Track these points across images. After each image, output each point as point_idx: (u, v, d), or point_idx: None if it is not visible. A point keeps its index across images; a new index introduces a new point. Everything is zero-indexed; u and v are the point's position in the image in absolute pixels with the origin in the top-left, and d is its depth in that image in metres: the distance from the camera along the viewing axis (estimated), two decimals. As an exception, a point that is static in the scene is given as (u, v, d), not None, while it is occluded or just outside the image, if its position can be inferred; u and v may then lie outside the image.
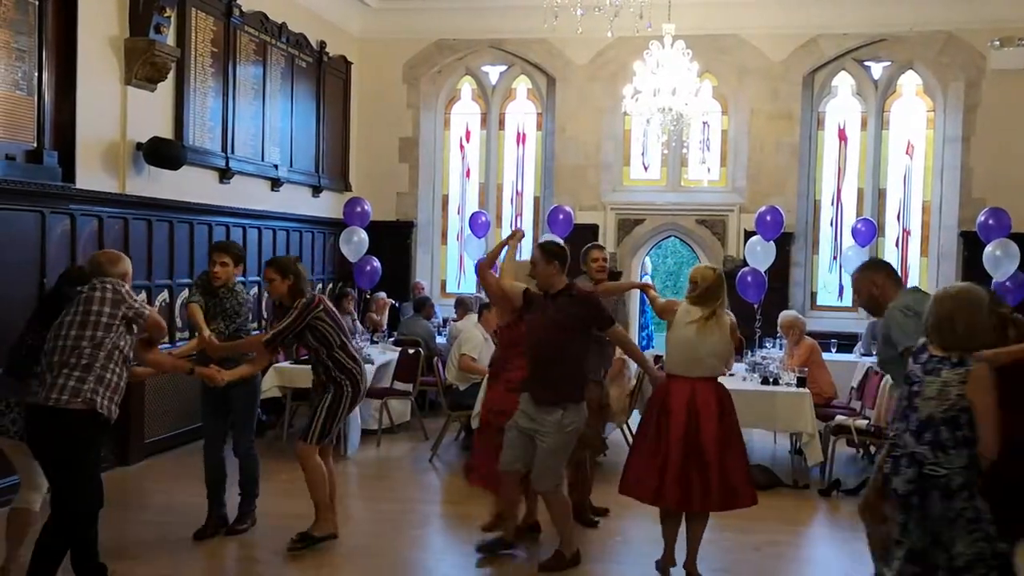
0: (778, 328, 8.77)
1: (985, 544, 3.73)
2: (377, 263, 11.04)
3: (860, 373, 8.46)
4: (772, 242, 10.43)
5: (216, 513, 5.79)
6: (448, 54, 11.74)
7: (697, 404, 4.96)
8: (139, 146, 7.48)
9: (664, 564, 5.22)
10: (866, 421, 7.40)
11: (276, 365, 8.02)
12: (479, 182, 12.09)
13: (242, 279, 7.38)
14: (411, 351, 8.77)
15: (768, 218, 10.41)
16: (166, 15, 7.47)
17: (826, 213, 11.42)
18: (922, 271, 11.15)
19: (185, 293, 7.86)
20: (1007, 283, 9.61)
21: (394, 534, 5.90)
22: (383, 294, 10.78)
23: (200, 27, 8.37)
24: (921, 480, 3.76)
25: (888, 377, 7.04)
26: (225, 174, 8.84)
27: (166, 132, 7.87)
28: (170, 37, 7.71)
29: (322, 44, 10.71)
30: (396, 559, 5.56)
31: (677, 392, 5.00)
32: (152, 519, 6.12)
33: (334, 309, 5.62)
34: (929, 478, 3.74)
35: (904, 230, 11.24)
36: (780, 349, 8.85)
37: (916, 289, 4.76)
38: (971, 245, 10.34)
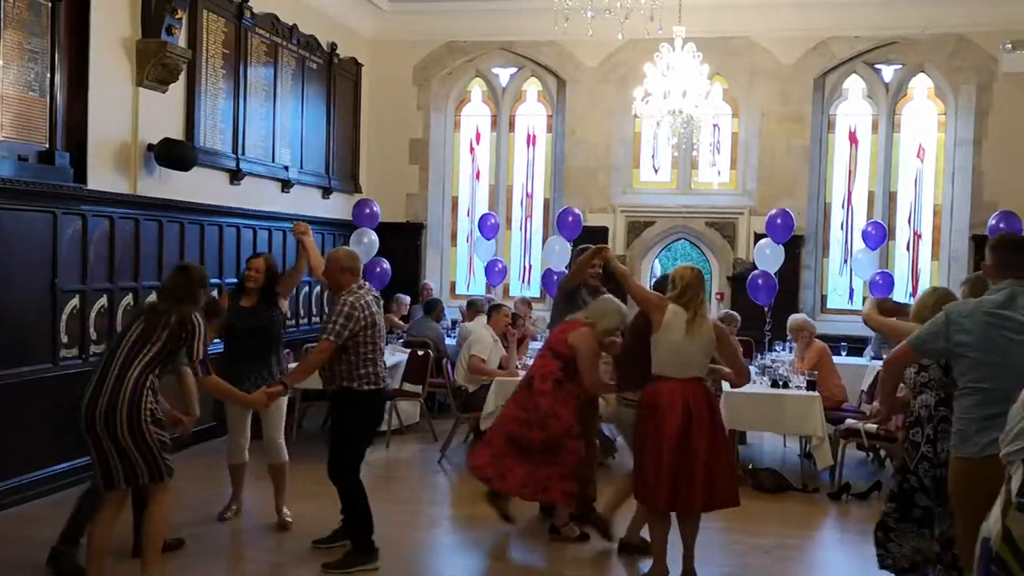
0: (788, 331, 8.74)
1: None
2: (387, 265, 11.04)
3: (870, 376, 8.41)
4: (782, 245, 10.40)
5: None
6: (458, 56, 11.76)
7: (691, 405, 4.98)
8: (150, 147, 7.52)
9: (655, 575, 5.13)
10: (876, 425, 7.36)
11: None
12: (489, 184, 12.10)
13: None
14: (420, 352, 8.78)
15: (778, 221, 10.37)
16: (178, 17, 7.51)
17: (836, 216, 11.39)
18: (933, 275, 11.10)
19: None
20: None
21: (402, 535, 5.90)
22: (408, 298, 10.80)
23: (211, 29, 8.41)
24: None
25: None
26: (236, 175, 8.87)
27: (177, 133, 7.91)
28: (181, 39, 7.74)
29: (333, 46, 10.74)
30: (404, 560, 5.55)
31: (670, 393, 5.00)
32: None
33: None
34: None
35: (915, 233, 11.20)
36: (790, 352, 8.83)
37: None
38: (982, 249, 10.13)
